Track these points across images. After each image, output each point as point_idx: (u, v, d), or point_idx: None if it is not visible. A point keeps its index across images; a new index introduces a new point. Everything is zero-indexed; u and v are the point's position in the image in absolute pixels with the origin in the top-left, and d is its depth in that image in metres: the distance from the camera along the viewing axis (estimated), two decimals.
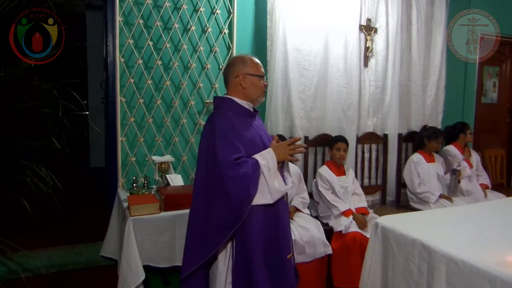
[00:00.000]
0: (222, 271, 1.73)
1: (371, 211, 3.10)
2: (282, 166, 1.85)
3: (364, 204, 3.10)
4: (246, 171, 1.64)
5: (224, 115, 1.75)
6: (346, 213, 2.90)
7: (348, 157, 3.35)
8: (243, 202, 1.64)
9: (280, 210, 1.79)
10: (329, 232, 2.84)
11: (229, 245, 1.72)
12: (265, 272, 1.71)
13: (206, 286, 1.78)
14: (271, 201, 1.70)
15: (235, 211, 1.64)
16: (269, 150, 1.75)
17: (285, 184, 1.79)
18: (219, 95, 3.14)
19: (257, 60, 1.85)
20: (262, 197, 1.68)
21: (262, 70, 1.85)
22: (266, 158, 1.71)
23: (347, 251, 2.74)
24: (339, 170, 3.12)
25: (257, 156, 1.70)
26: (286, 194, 1.86)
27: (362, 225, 2.85)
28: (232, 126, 1.70)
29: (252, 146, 1.73)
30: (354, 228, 2.82)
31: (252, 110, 1.84)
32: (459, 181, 3.44)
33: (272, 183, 1.69)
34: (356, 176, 3.33)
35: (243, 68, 1.80)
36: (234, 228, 1.65)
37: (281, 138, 3.16)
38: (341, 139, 3.13)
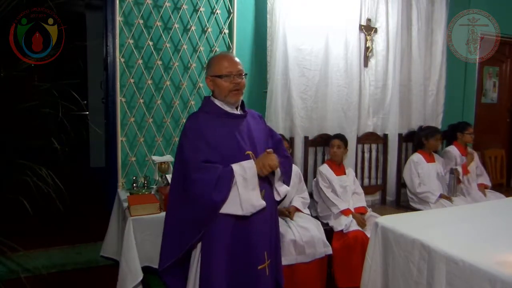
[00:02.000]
0: (192, 276, 1.74)
1: (369, 209, 3.11)
2: (283, 181, 1.83)
3: (363, 203, 3.10)
4: (210, 177, 1.61)
5: (196, 117, 1.76)
6: (345, 213, 2.90)
7: (348, 157, 3.35)
8: (205, 206, 1.63)
9: (256, 220, 1.71)
10: (329, 232, 2.84)
11: (198, 246, 1.72)
12: (226, 281, 1.67)
13: (183, 280, 1.80)
14: (241, 213, 1.64)
15: (199, 213, 1.64)
16: (250, 161, 1.70)
17: (272, 195, 1.78)
18: None
19: (225, 57, 1.78)
20: (232, 207, 1.64)
21: (229, 68, 1.74)
22: (243, 168, 1.66)
23: (349, 250, 2.74)
24: (339, 169, 3.12)
25: (234, 165, 1.66)
26: (274, 205, 1.84)
27: (362, 224, 2.86)
28: (199, 127, 1.69)
29: (223, 150, 1.68)
30: (355, 226, 2.82)
31: (236, 112, 1.79)
32: (458, 181, 3.44)
33: (247, 194, 1.64)
34: (356, 176, 3.33)
35: (208, 70, 1.81)
36: (202, 229, 1.65)
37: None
38: (337, 136, 3.15)
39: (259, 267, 1.74)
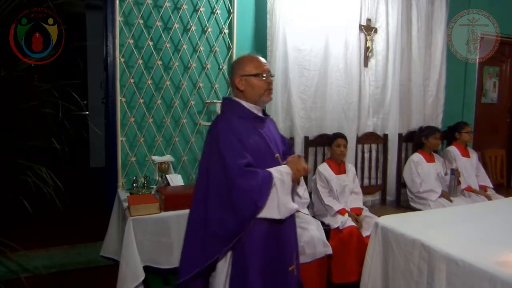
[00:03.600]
0: (221, 281, 1.68)
1: (365, 209, 3.11)
2: (297, 183, 1.81)
3: (359, 204, 3.11)
4: (255, 183, 1.58)
5: (228, 119, 1.69)
6: (341, 212, 2.91)
7: (348, 157, 3.35)
8: (248, 214, 1.59)
9: (285, 224, 1.72)
10: (328, 232, 2.84)
11: (229, 254, 1.67)
12: (262, 284, 1.66)
13: None
14: (278, 217, 1.64)
15: (239, 222, 1.59)
16: (285, 166, 1.70)
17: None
18: (219, 95, 3.14)
19: (255, 57, 1.76)
20: (269, 211, 1.62)
21: (262, 67, 1.74)
22: (281, 172, 1.65)
23: (344, 247, 2.75)
24: (339, 168, 3.11)
25: (273, 170, 1.65)
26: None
27: (357, 223, 2.86)
28: (235, 131, 1.64)
29: (256, 154, 1.66)
30: (350, 223, 2.83)
31: (261, 114, 1.78)
32: (458, 182, 3.44)
33: (284, 198, 1.64)
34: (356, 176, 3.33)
35: (238, 69, 1.74)
36: (235, 239, 1.60)
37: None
38: (340, 135, 3.14)
39: (290, 269, 1.75)
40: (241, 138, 1.64)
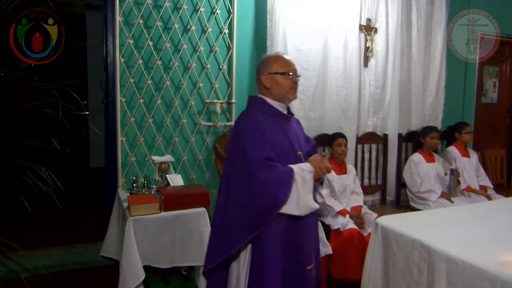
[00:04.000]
0: (241, 272, 1.71)
1: (365, 207, 3.11)
2: (320, 183, 1.84)
3: (360, 203, 3.11)
4: (275, 176, 1.61)
5: (253, 114, 1.74)
6: (342, 213, 2.91)
7: (348, 157, 3.35)
8: (267, 206, 1.61)
9: (306, 221, 1.74)
10: (328, 232, 2.84)
11: (249, 247, 1.70)
12: (280, 281, 1.68)
13: (225, 281, 1.78)
14: (297, 213, 1.66)
15: (258, 214, 1.61)
16: (307, 164, 1.73)
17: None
18: (219, 95, 3.15)
19: (282, 57, 1.81)
20: (288, 207, 1.64)
21: (289, 66, 1.79)
22: (302, 169, 1.68)
23: (344, 248, 2.75)
24: (340, 168, 3.11)
25: (294, 166, 1.68)
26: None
27: (359, 223, 2.86)
28: (259, 126, 1.69)
29: (278, 150, 1.69)
30: (351, 225, 2.83)
31: (285, 112, 1.82)
32: (458, 182, 3.44)
33: (304, 196, 1.66)
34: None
35: (265, 67, 1.79)
36: (256, 231, 1.62)
37: None
38: (340, 135, 3.14)
39: (308, 268, 1.76)
40: (264, 133, 1.68)
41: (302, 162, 1.77)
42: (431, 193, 3.32)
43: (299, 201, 1.65)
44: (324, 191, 1.82)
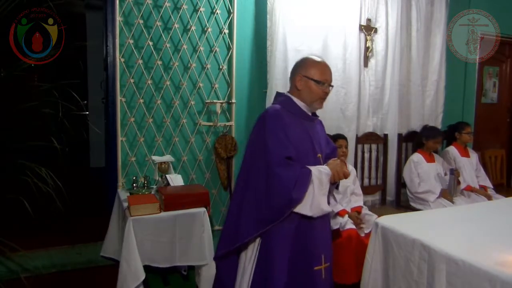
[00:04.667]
0: (246, 267, 1.73)
1: (365, 207, 3.11)
2: (336, 187, 1.85)
3: (360, 204, 3.10)
4: (293, 174, 1.61)
5: (277, 110, 1.73)
6: (341, 213, 2.91)
7: (348, 157, 3.35)
8: (282, 203, 1.62)
9: (317, 223, 1.75)
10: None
11: (257, 242, 1.72)
12: (285, 279, 1.69)
13: (234, 271, 1.81)
14: (309, 214, 1.66)
15: (272, 209, 1.63)
16: (325, 167, 1.74)
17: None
18: (219, 95, 3.15)
19: (323, 64, 1.80)
20: (303, 207, 1.65)
21: (326, 76, 1.78)
22: (320, 172, 1.69)
23: (342, 248, 2.75)
24: None
25: (312, 168, 1.69)
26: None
27: (357, 223, 2.86)
28: (282, 122, 1.69)
29: (299, 149, 1.70)
30: (349, 225, 2.83)
31: (309, 113, 1.82)
32: (458, 181, 3.44)
33: (319, 197, 1.67)
34: (356, 176, 3.32)
35: (302, 69, 1.78)
36: (268, 225, 1.64)
37: None
38: (341, 136, 3.13)
39: (315, 268, 1.76)
40: (287, 131, 1.68)
41: (321, 164, 1.78)
42: (429, 194, 3.32)
43: (313, 202, 1.66)
44: (338, 196, 1.85)
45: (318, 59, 1.83)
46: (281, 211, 1.63)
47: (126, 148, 2.89)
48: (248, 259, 1.74)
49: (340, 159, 1.82)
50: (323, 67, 1.80)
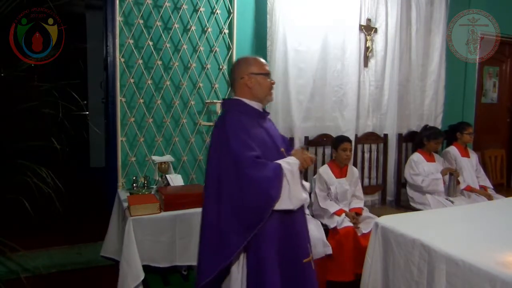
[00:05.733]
0: (236, 281, 1.68)
1: (365, 209, 3.11)
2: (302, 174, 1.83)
3: (360, 205, 3.10)
4: (266, 173, 1.61)
5: (234, 115, 1.74)
6: (337, 213, 2.91)
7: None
8: (262, 204, 1.61)
9: (297, 215, 1.76)
10: (327, 232, 2.84)
11: (242, 257, 1.68)
12: (278, 278, 1.67)
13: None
14: (291, 207, 1.67)
15: (253, 213, 1.61)
16: (292, 157, 1.75)
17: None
18: (219, 95, 3.14)
19: (261, 59, 1.85)
20: (283, 203, 1.65)
21: (267, 68, 1.84)
22: (289, 163, 1.69)
23: (340, 246, 2.75)
24: (341, 171, 3.09)
25: (281, 161, 1.69)
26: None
27: (354, 222, 2.86)
28: (243, 125, 1.69)
29: (263, 148, 1.70)
30: (347, 223, 2.83)
31: (261, 111, 1.84)
32: (457, 181, 3.44)
33: (295, 189, 1.67)
34: None
35: (247, 68, 1.80)
36: (254, 230, 1.61)
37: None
38: (346, 139, 3.10)
39: (304, 260, 1.77)
40: (249, 133, 1.68)
41: (285, 157, 1.78)
42: (436, 179, 3.30)
43: (291, 195, 1.66)
44: (307, 183, 1.82)
45: (255, 56, 1.88)
46: (263, 212, 1.61)
47: (126, 148, 2.89)
48: (237, 270, 1.69)
49: (301, 146, 1.86)
50: (263, 61, 1.84)
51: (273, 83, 1.85)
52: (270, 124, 1.89)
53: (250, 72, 1.79)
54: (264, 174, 1.61)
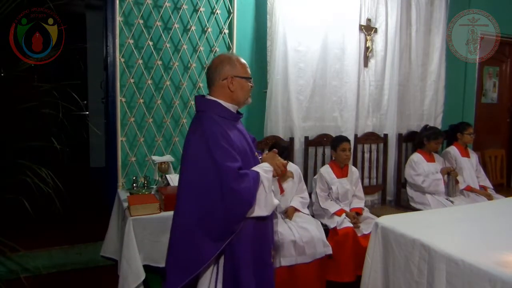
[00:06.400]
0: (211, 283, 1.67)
1: (366, 209, 3.10)
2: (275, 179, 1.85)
3: (361, 205, 3.10)
4: (248, 185, 1.59)
5: (212, 119, 1.66)
6: (338, 213, 2.91)
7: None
8: (242, 215, 1.61)
9: (267, 220, 1.77)
10: (327, 232, 2.84)
11: (216, 260, 1.67)
12: (253, 281, 1.69)
13: None
14: (265, 214, 1.67)
15: (230, 223, 1.60)
16: (266, 164, 1.74)
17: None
18: None
19: (243, 61, 1.78)
20: (259, 209, 1.65)
21: (249, 71, 1.78)
22: (265, 171, 1.69)
23: (339, 247, 2.75)
24: (342, 171, 3.10)
25: (257, 168, 1.68)
26: None
27: (354, 222, 2.86)
28: (224, 132, 1.63)
29: (242, 154, 1.67)
30: (346, 223, 2.83)
31: (236, 113, 1.78)
32: (457, 182, 3.44)
33: (269, 195, 1.67)
34: None
35: (231, 70, 1.72)
36: (228, 239, 1.60)
37: (277, 138, 3.16)
38: (345, 139, 3.10)
39: (272, 260, 1.82)
40: (229, 141, 1.63)
41: (259, 162, 1.78)
42: (437, 179, 3.31)
43: (267, 202, 1.66)
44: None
45: (237, 57, 1.79)
46: (239, 221, 1.62)
47: (126, 148, 2.89)
48: (211, 279, 1.67)
49: (272, 150, 1.85)
50: (246, 63, 1.78)
51: (252, 87, 1.80)
52: (242, 126, 1.84)
53: (234, 74, 1.71)
54: (246, 185, 1.59)
